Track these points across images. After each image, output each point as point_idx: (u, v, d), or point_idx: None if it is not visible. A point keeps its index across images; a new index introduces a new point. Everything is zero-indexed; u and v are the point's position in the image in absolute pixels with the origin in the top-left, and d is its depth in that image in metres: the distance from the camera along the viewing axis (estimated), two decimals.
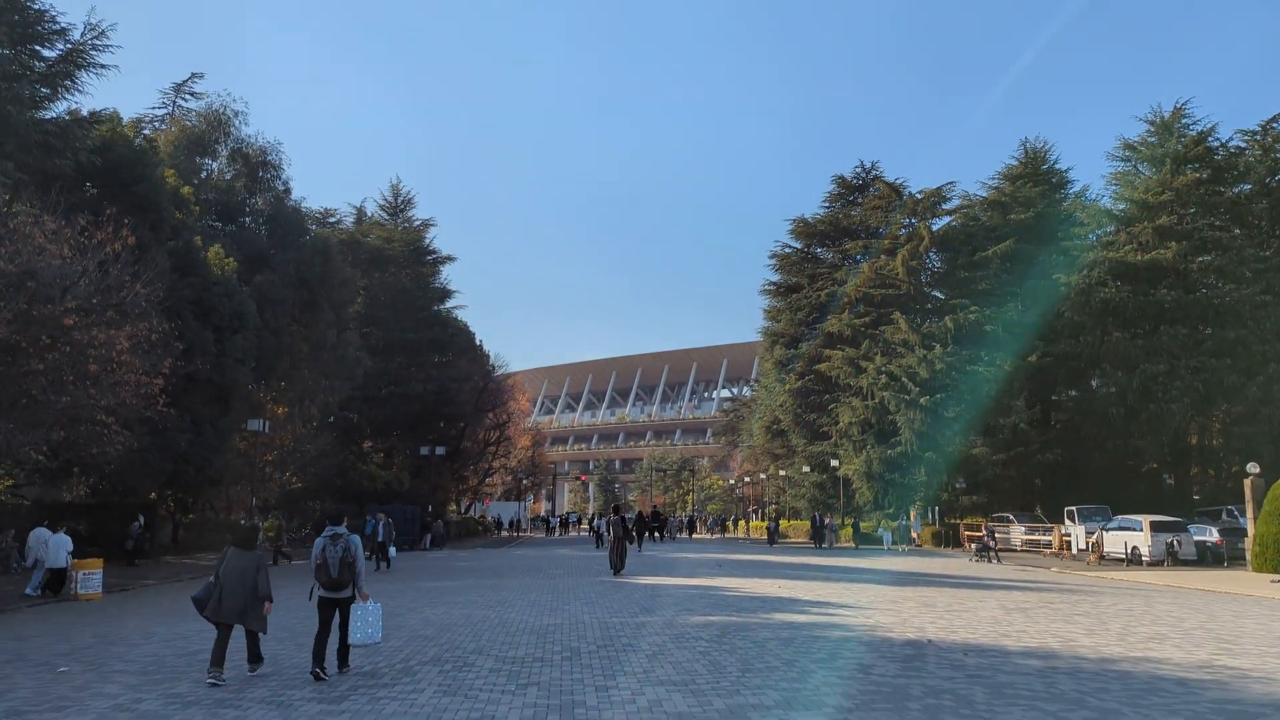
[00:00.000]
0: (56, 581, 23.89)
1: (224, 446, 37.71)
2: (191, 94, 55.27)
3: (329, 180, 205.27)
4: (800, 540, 59.19)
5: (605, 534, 47.28)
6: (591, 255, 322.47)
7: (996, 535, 39.41)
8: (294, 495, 55.16)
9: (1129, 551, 35.23)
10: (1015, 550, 43.08)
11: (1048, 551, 41.46)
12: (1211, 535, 35.63)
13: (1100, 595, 21.37)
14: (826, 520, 53.30)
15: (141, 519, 37.71)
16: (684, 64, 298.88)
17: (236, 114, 52.48)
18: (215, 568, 11.44)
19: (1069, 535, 40.06)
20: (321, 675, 11.11)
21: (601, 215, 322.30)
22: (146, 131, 42.51)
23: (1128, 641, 13.48)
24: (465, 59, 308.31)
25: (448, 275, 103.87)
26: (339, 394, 52.35)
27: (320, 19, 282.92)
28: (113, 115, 35.47)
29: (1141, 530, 35.12)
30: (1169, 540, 34.41)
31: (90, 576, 23.59)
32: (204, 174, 51.64)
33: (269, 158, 52.46)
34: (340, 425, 61.06)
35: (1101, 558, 36.21)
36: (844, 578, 26.17)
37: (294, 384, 52.64)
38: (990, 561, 36.58)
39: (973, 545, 39.52)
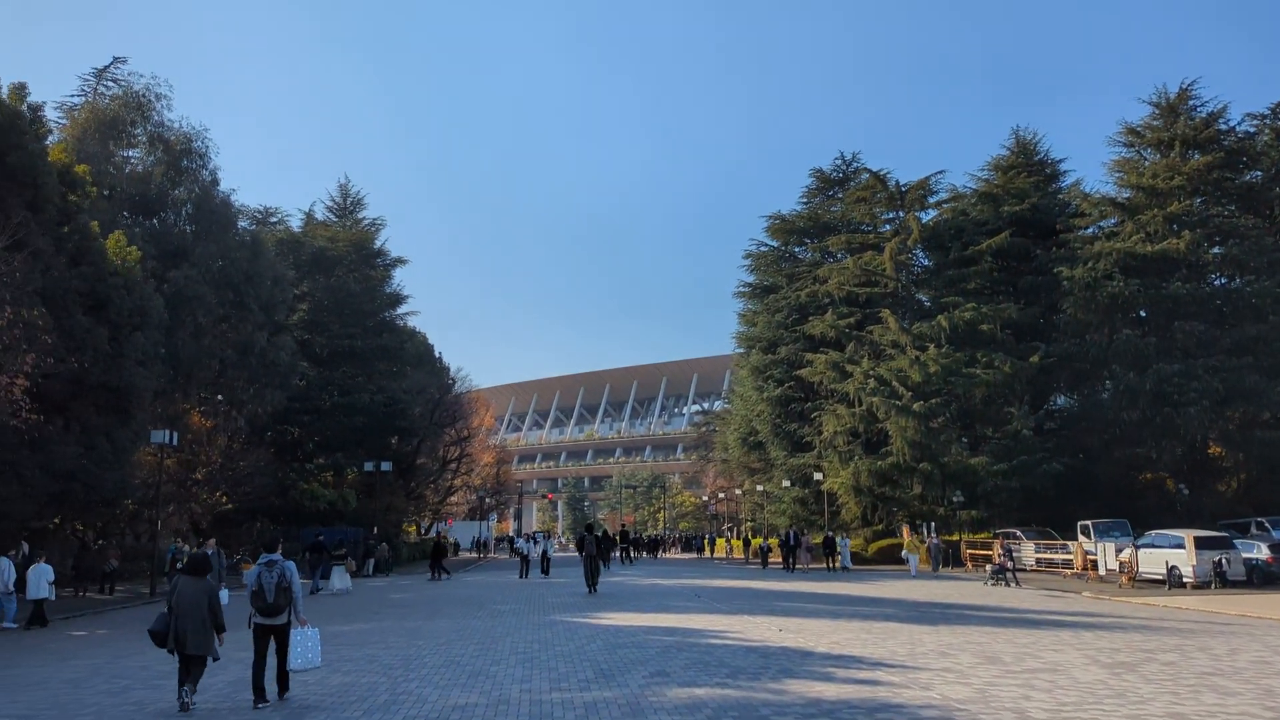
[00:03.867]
0: (39, 614, 22.98)
1: (122, 461, 32.34)
2: (115, 80, 50.19)
3: (281, 186, 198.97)
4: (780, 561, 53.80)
5: (532, 557, 42.37)
6: (559, 269, 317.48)
7: (1013, 554, 34.69)
8: (226, 517, 49.73)
9: (1169, 572, 30.60)
10: (1027, 570, 38.37)
11: (1067, 573, 36.76)
12: (1261, 552, 31.09)
13: (1195, 635, 16.65)
14: (835, 538, 46.86)
15: (25, 547, 32.43)
16: (653, 68, 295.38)
17: (159, 97, 47.50)
18: (167, 597, 11.16)
19: (1093, 554, 35.36)
20: (264, 700, 10.96)
21: (569, 228, 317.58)
22: (53, 114, 37.22)
23: None
24: (430, 65, 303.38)
25: (401, 281, 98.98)
26: (271, 404, 47.04)
27: (284, 13, 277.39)
28: None
29: (1184, 548, 30.48)
30: (1216, 559, 29.81)
31: None
32: (125, 168, 46.43)
33: (194, 145, 47.38)
34: (278, 439, 55.68)
35: (1134, 579, 31.56)
36: (855, 613, 21.24)
37: (226, 393, 47.40)
38: (1009, 585, 31.87)
39: (987, 567, 34.85)
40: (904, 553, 40.35)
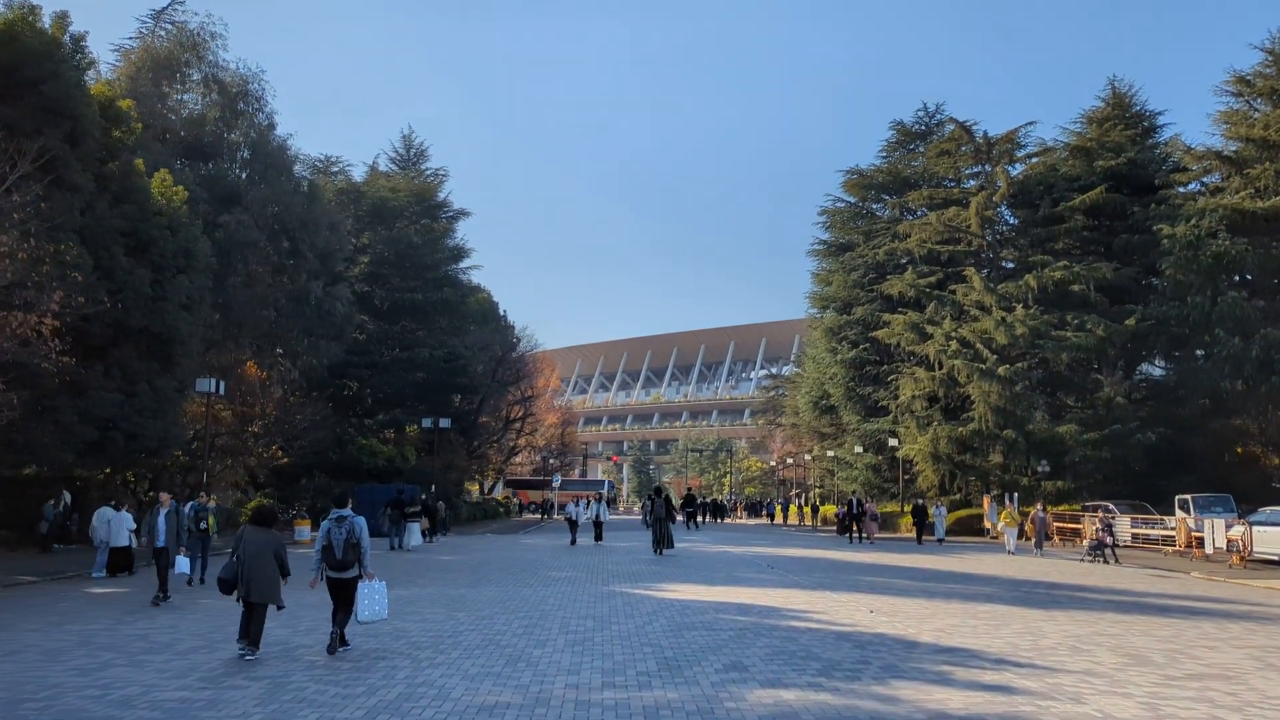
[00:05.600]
0: (123, 561, 22.78)
1: (165, 410, 30.95)
2: (173, 24, 48.84)
3: (345, 141, 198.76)
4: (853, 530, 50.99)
5: (581, 522, 38.41)
6: (627, 231, 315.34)
7: (1114, 529, 31.97)
8: (282, 471, 48.70)
9: None
10: (1121, 546, 35.49)
11: (1168, 550, 33.94)
12: None
13: None
14: (927, 506, 43.17)
15: (68, 497, 31.39)
16: (721, 26, 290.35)
17: (214, 36, 45.92)
18: (234, 548, 11.45)
19: (1199, 531, 32.49)
20: (344, 644, 11.45)
21: (637, 190, 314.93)
22: (110, 56, 35.74)
23: None
24: (492, 19, 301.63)
25: (464, 236, 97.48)
26: (327, 356, 45.60)
27: None
28: (24, 4, 28.74)
29: None
30: None
31: None
32: (182, 111, 45.05)
33: (250, 88, 45.77)
34: (335, 394, 54.42)
35: (1246, 560, 28.73)
36: (950, 592, 18.88)
37: (281, 344, 46.14)
38: (1109, 563, 29.27)
39: (1084, 542, 32.18)
40: (1000, 525, 36.50)
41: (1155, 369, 53.49)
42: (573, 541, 36.30)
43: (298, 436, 45.58)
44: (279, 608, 11.64)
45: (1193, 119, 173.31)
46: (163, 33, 47.99)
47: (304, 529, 37.36)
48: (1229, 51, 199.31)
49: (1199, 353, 46.42)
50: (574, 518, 38.01)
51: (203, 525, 20.57)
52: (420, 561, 26.95)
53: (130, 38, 49.10)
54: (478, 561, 26.87)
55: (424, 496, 41.94)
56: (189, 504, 20.90)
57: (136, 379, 29.95)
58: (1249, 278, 45.22)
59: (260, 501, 38.96)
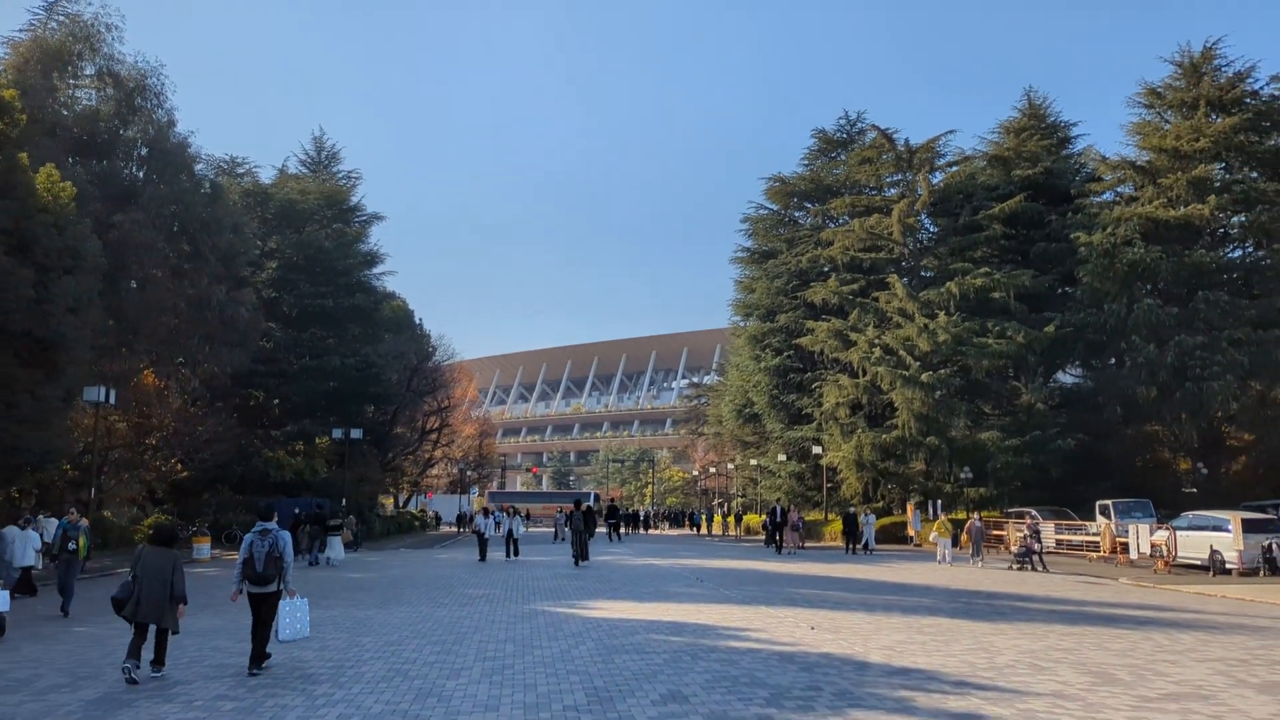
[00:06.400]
0: (25, 584, 21.10)
1: (48, 421, 28.88)
2: (66, 15, 46.31)
3: (256, 149, 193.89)
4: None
5: (489, 536, 35.57)
6: (546, 240, 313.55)
7: (1041, 536, 31.70)
8: (182, 485, 46.38)
9: (1211, 557, 27.70)
10: (1045, 552, 35.27)
11: (1093, 556, 33.84)
12: None
13: None
14: (857, 514, 42.49)
15: None
16: (640, 33, 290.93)
17: (109, 27, 43.45)
18: (131, 566, 11.04)
19: (1124, 536, 32.39)
20: (264, 658, 11.04)
21: (556, 198, 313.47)
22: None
23: None
24: (402, 33, 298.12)
25: (378, 241, 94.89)
26: (230, 364, 43.43)
27: None
28: None
29: (1229, 531, 27.55)
30: (1267, 543, 26.90)
31: None
32: (76, 107, 42.63)
33: (148, 82, 43.46)
34: (241, 404, 52.09)
35: (1171, 565, 28.64)
36: (889, 604, 18.01)
37: (181, 352, 43.85)
38: (1036, 570, 28.93)
39: (1011, 549, 31.82)
40: (933, 536, 35.38)
41: (1068, 376, 54.06)
42: (481, 558, 33.79)
43: (199, 449, 43.42)
44: (173, 631, 11.05)
45: (1106, 130, 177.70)
46: (55, 24, 45.54)
47: (204, 546, 35.22)
48: (1140, 64, 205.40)
49: (1111, 361, 46.87)
50: (483, 532, 35.35)
51: (71, 546, 18.30)
52: (328, 580, 25.35)
53: (20, 30, 46.47)
54: (391, 579, 25.34)
55: (316, 508, 38.51)
56: (58, 522, 18.92)
57: (16, 387, 27.86)
58: (1162, 285, 45.82)
59: (160, 519, 36.88)
